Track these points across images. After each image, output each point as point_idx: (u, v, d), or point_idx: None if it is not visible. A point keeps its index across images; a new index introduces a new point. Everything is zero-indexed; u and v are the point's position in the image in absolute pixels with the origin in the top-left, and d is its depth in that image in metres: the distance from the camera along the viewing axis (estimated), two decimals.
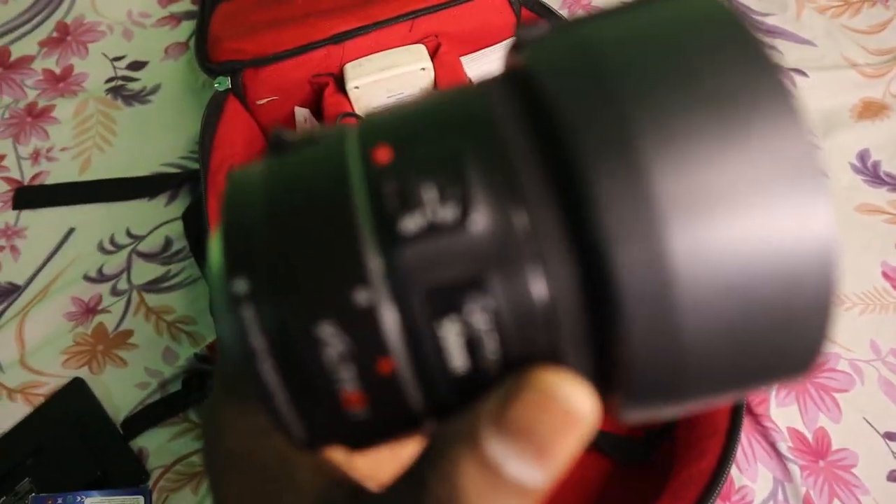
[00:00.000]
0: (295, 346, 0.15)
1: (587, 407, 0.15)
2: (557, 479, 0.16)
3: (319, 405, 0.16)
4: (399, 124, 0.17)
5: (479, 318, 0.15)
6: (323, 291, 0.15)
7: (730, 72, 0.15)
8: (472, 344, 0.15)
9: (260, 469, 0.20)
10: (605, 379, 0.16)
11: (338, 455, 0.21)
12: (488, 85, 0.17)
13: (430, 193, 0.15)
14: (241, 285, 0.15)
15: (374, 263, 0.15)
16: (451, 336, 0.15)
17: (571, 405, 0.15)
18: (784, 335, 0.15)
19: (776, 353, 0.16)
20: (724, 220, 0.14)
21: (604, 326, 0.15)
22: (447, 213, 0.15)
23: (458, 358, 0.15)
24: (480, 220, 0.15)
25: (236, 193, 0.17)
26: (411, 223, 0.15)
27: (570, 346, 0.16)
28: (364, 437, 0.17)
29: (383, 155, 0.16)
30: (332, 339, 0.15)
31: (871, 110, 0.70)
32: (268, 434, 0.20)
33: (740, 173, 0.14)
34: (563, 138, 0.14)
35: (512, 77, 0.17)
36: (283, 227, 0.16)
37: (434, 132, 0.16)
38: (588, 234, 0.14)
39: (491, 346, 0.15)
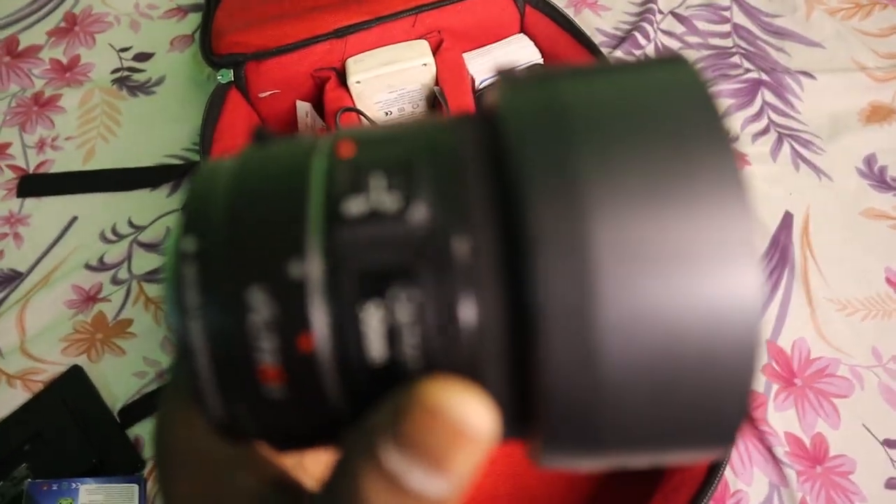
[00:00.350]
0: (224, 307, 0.16)
1: (481, 421, 0.15)
2: (464, 490, 0.16)
3: (237, 374, 0.16)
4: (369, 133, 0.18)
5: (403, 308, 0.15)
6: (260, 258, 0.16)
7: (684, 143, 0.15)
8: (393, 333, 0.15)
9: (205, 469, 0.20)
10: (526, 419, 0.16)
11: (288, 459, 0.22)
12: (462, 118, 0.18)
13: (377, 182, 0.16)
14: (188, 243, 0.16)
15: (313, 239, 0.15)
16: (374, 321, 0.15)
17: (463, 420, 0.15)
18: (703, 401, 0.15)
19: (695, 418, 0.16)
20: (654, 278, 0.15)
21: (525, 352, 0.15)
22: (390, 202, 0.15)
23: (377, 345, 0.15)
24: (420, 215, 0.15)
25: (206, 171, 0.18)
26: (354, 207, 0.15)
27: (490, 360, 0.16)
28: (281, 424, 0.17)
29: (347, 149, 0.17)
30: (260, 305, 0.15)
31: (879, 114, 0.70)
32: (212, 435, 0.20)
33: (678, 237, 0.15)
34: (515, 176, 0.15)
35: (485, 115, 0.18)
36: (240, 198, 0.16)
37: (398, 141, 0.17)
38: (520, 261, 0.15)
39: (411, 340, 0.15)
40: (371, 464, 0.15)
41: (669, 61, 0.18)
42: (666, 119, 0.16)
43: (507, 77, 0.17)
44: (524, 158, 0.15)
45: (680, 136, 0.16)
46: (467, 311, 0.15)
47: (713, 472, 0.40)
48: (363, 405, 0.16)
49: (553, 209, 0.15)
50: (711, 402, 0.15)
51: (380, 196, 0.16)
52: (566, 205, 0.15)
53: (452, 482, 0.15)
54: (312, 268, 0.15)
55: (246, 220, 0.16)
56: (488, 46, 0.59)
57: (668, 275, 0.15)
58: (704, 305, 0.15)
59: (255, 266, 0.16)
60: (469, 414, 0.15)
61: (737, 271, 0.15)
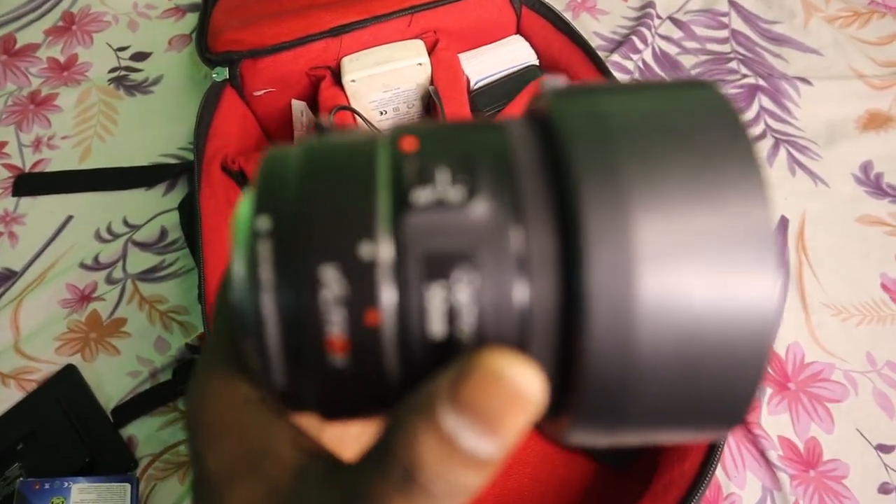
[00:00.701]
0: (297, 281, 0.17)
1: (534, 387, 0.17)
2: (510, 451, 0.17)
3: (306, 345, 0.17)
4: (427, 130, 0.19)
5: (463, 290, 0.17)
6: (333, 238, 0.17)
7: (714, 152, 0.17)
8: (452, 312, 0.17)
9: (242, 439, 0.21)
10: (560, 398, 0.18)
11: (312, 426, 0.23)
12: (513, 121, 0.20)
13: (443, 176, 0.17)
14: (263, 222, 0.18)
15: (383, 223, 0.17)
16: (436, 301, 0.17)
17: (518, 385, 0.17)
18: (719, 385, 0.17)
19: (710, 399, 0.18)
20: (687, 273, 0.16)
21: (570, 335, 0.17)
22: (455, 194, 0.17)
23: (437, 323, 0.17)
24: (481, 208, 0.17)
25: (274, 157, 0.19)
26: (422, 196, 0.17)
27: (538, 340, 0.17)
28: (339, 393, 0.18)
29: (410, 144, 0.18)
30: (332, 282, 0.17)
31: (876, 122, 0.70)
32: (252, 405, 0.21)
33: (707, 237, 0.17)
34: (567, 177, 0.17)
35: (534, 119, 0.20)
36: (312, 181, 0.18)
37: (457, 140, 0.19)
38: (571, 252, 0.17)
39: (468, 319, 0.17)
40: (428, 424, 0.17)
41: (699, 83, 0.20)
42: (697, 131, 0.18)
43: (555, 89, 0.20)
44: (576, 162, 0.17)
45: (710, 147, 0.18)
46: (520, 295, 0.17)
47: (703, 471, 0.40)
48: (417, 377, 0.18)
49: (601, 207, 0.17)
50: (726, 388, 0.17)
51: (445, 188, 0.17)
52: (612, 204, 0.17)
53: (501, 445, 0.17)
54: (382, 250, 0.17)
55: (318, 203, 0.18)
56: (484, 47, 0.59)
57: (699, 270, 0.16)
58: (729, 299, 0.17)
59: (328, 246, 0.17)
60: (524, 380, 0.17)
61: (758, 271, 0.17)
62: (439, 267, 0.17)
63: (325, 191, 0.18)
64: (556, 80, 0.20)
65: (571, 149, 0.17)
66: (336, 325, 0.17)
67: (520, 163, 0.18)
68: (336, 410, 0.20)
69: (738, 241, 0.17)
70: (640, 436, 0.19)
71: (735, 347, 0.17)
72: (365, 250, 0.17)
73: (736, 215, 0.17)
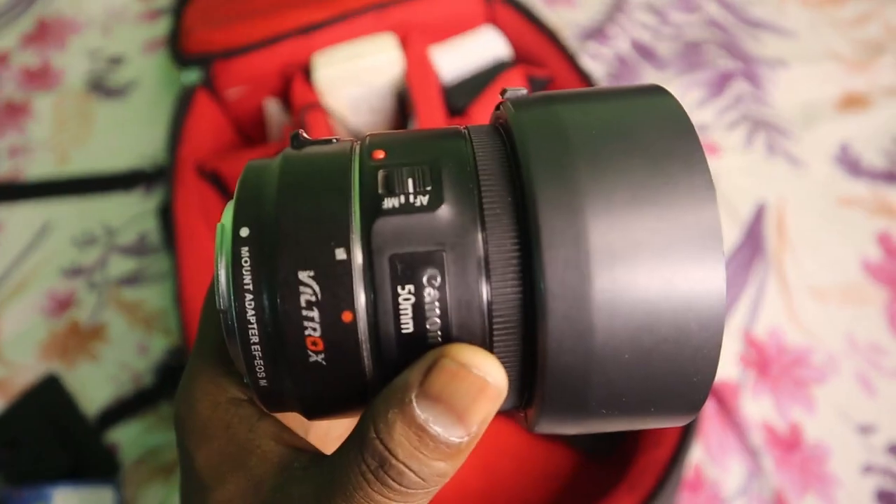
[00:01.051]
0: (277, 287, 0.18)
1: (497, 378, 0.18)
2: (477, 439, 0.19)
3: (287, 344, 0.19)
4: (396, 140, 0.21)
5: (429, 290, 0.18)
6: (310, 246, 0.19)
7: (665, 157, 0.19)
8: (421, 311, 0.18)
9: (229, 438, 0.22)
10: (526, 391, 0.20)
11: (299, 425, 0.25)
12: (476, 128, 0.22)
13: (410, 184, 0.19)
14: (244, 231, 0.19)
15: (355, 230, 0.19)
16: (404, 301, 0.18)
17: (484, 375, 0.18)
18: (676, 373, 0.19)
19: (669, 388, 0.19)
20: (639, 268, 0.18)
21: (532, 331, 0.18)
22: (420, 201, 0.19)
23: (406, 320, 0.18)
24: (445, 213, 0.19)
25: (253, 170, 0.21)
26: (389, 204, 0.19)
27: (501, 338, 0.19)
28: (319, 389, 0.20)
29: (378, 154, 0.20)
30: (310, 285, 0.18)
31: (853, 103, 0.70)
32: (239, 405, 0.23)
33: (657, 235, 0.18)
34: (527, 185, 0.18)
35: (496, 127, 0.22)
36: (289, 193, 0.19)
37: (423, 149, 0.20)
38: (530, 252, 0.18)
39: (435, 318, 0.18)
40: (402, 414, 0.18)
41: (652, 89, 0.21)
42: (647, 136, 0.19)
43: (515, 98, 0.21)
44: (533, 168, 0.19)
45: (659, 150, 0.19)
46: (483, 295, 0.19)
47: (678, 455, 0.40)
48: (391, 372, 0.19)
49: (557, 210, 0.18)
50: (684, 374, 0.19)
51: (411, 196, 0.19)
52: (567, 207, 0.18)
53: (469, 432, 0.18)
54: (355, 255, 0.18)
55: (295, 214, 0.19)
56: (457, 39, 0.59)
57: (650, 266, 0.18)
58: (679, 291, 0.18)
59: (306, 253, 0.19)
60: (488, 371, 0.18)
61: (705, 264, 0.18)
62: (407, 269, 0.18)
63: (301, 202, 0.19)
64: (518, 91, 0.22)
65: (529, 155, 0.19)
66: (314, 325, 0.18)
67: (482, 170, 0.20)
68: (317, 407, 0.21)
69: (687, 237, 0.18)
70: (606, 423, 0.20)
71: (688, 337, 0.18)
72: (340, 256, 0.18)
73: (684, 214, 0.18)
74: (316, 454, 0.22)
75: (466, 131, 0.22)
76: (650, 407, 0.20)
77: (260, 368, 0.20)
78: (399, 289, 0.18)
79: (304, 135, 0.21)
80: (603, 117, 0.20)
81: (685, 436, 0.41)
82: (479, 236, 0.19)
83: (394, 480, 0.19)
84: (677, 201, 0.18)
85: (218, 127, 0.59)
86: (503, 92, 0.22)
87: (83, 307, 0.62)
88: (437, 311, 0.18)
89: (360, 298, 0.18)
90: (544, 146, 0.19)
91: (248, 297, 0.19)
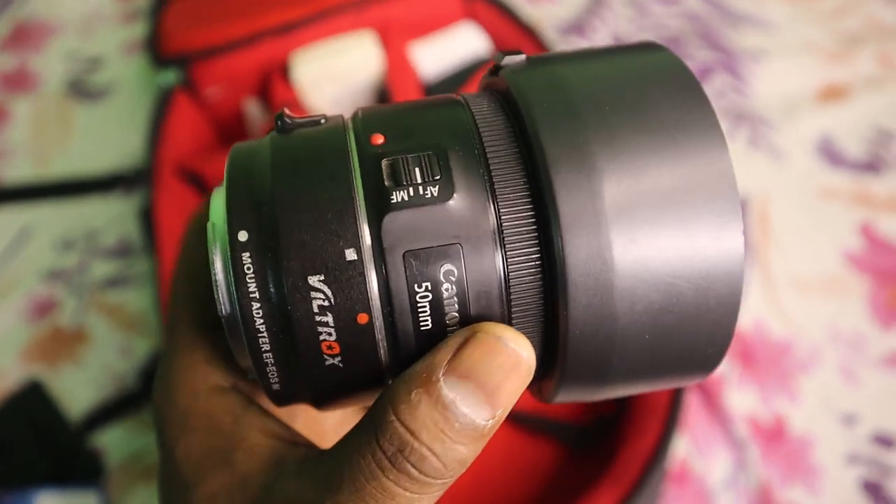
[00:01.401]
0: (288, 294, 0.18)
1: (530, 354, 0.18)
2: (499, 424, 0.18)
3: (300, 350, 0.18)
4: (391, 119, 0.20)
5: (446, 284, 0.18)
6: (318, 248, 0.18)
7: (672, 108, 0.18)
8: (436, 306, 0.18)
9: (211, 428, 0.20)
10: (545, 363, 0.20)
11: (284, 413, 0.23)
12: (471, 96, 0.21)
13: (417, 173, 0.18)
14: (242, 234, 0.18)
15: (364, 230, 0.18)
16: (419, 295, 0.18)
17: (517, 351, 0.18)
18: (698, 330, 0.18)
19: (692, 344, 0.19)
20: (658, 228, 0.17)
21: (552, 304, 0.18)
22: (429, 191, 0.18)
23: (423, 316, 0.18)
24: (456, 202, 0.18)
25: (241, 158, 0.19)
26: (399, 196, 0.18)
27: (522, 316, 0.18)
28: (334, 388, 0.19)
29: (378, 139, 0.19)
30: (322, 290, 0.17)
31: (834, 94, 0.70)
32: (220, 393, 0.21)
33: (675, 193, 0.17)
34: (538, 152, 0.18)
35: (492, 94, 0.21)
36: (286, 188, 0.18)
37: (423, 127, 0.19)
38: (548, 224, 0.17)
39: (452, 311, 0.18)
40: (427, 392, 0.17)
41: (648, 45, 0.21)
42: (654, 91, 0.19)
43: (506, 62, 0.20)
44: (542, 131, 0.18)
45: (668, 105, 0.18)
46: (501, 283, 0.18)
47: (660, 447, 0.40)
48: (408, 365, 0.18)
49: (576, 194, 0.17)
50: (704, 330, 0.18)
51: (420, 188, 0.18)
52: (587, 190, 0.17)
53: (496, 410, 0.18)
54: (366, 255, 0.18)
55: (297, 211, 0.18)
56: (436, 36, 0.59)
57: (669, 224, 0.17)
58: (699, 249, 0.18)
59: (314, 256, 0.18)
60: (523, 347, 0.18)
61: (724, 220, 0.18)
62: (422, 266, 0.18)
63: (301, 199, 0.18)
64: (517, 57, 0.21)
65: (536, 119, 0.18)
66: (329, 329, 0.18)
67: (489, 148, 0.19)
68: (331, 402, 0.20)
69: (703, 193, 0.18)
70: (624, 389, 0.20)
71: (708, 293, 0.18)
72: (350, 257, 0.18)
73: (699, 169, 0.18)
74: (310, 447, 0.20)
75: (463, 100, 0.21)
76: (669, 369, 0.19)
77: (273, 374, 0.19)
78: (416, 287, 0.18)
79: (289, 114, 0.20)
80: (605, 74, 0.19)
81: (668, 428, 0.41)
82: (494, 222, 0.18)
83: (413, 467, 0.17)
84: (691, 156, 0.18)
85: (197, 128, 0.58)
86: (498, 57, 0.21)
87: (64, 311, 0.62)
88: (456, 306, 0.18)
89: (375, 299, 0.18)
90: (551, 112, 0.18)
91: (255, 305, 0.18)
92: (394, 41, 0.56)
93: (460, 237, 0.18)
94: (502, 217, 0.18)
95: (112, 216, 0.66)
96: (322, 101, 0.54)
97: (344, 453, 0.18)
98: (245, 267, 0.18)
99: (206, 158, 0.56)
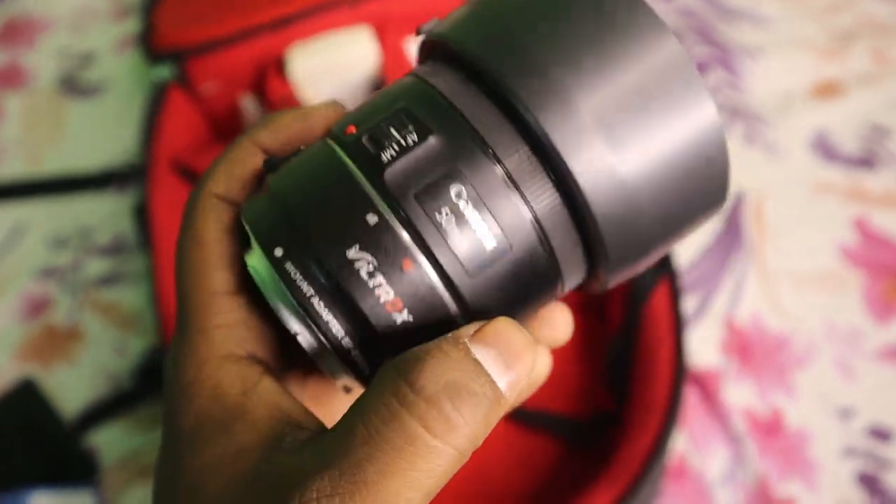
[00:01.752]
0: (335, 273, 0.19)
1: (536, 350, 0.19)
2: (509, 406, 0.19)
3: (370, 320, 0.19)
4: (357, 114, 0.22)
5: (461, 202, 0.19)
6: (344, 226, 0.19)
7: (618, 18, 0.20)
8: (461, 221, 0.19)
9: (215, 397, 0.20)
10: (588, 261, 0.22)
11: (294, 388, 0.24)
12: (417, 70, 0.22)
13: (392, 132, 0.20)
14: (278, 251, 0.20)
15: (372, 192, 0.19)
16: (444, 220, 0.19)
17: (530, 335, 0.19)
18: (701, 183, 0.20)
19: (700, 193, 0.21)
20: (644, 126, 0.19)
21: (569, 195, 0.20)
22: (409, 140, 0.19)
23: (456, 235, 0.19)
24: (438, 138, 0.19)
25: (254, 212, 0.21)
26: (386, 155, 0.19)
27: (546, 212, 0.20)
28: (414, 344, 0.20)
29: (351, 129, 0.21)
30: (363, 258, 0.19)
31: (828, 90, 0.70)
32: (232, 362, 0.21)
33: (646, 88, 0.19)
34: (513, 94, 0.19)
35: (434, 59, 0.22)
36: (296, 200, 0.20)
37: (383, 103, 0.21)
38: (529, 129, 0.19)
39: (476, 217, 0.19)
40: (456, 349, 0.18)
41: None
42: (592, 8, 0.20)
43: (428, 27, 0.22)
44: (502, 70, 0.19)
45: (610, 14, 0.20)
46: (508, 182, 0.19)
47: (660, 444, 0.40)
48: (468, 294, 0.20)
49: (550, 107, 0.19)
50: (707, 181, 0.21)
51: (401, 141, 0.20)
52: (559, 99, 0.19)
53: (514, 379, 0.19)
54: (385, 212, 0.19)
55: (312, 207, 0.20)
56: None
57: (653, 118, 0.19)
58: (683, 122, 0.20)
59: (340, 234, 0.19)
60: (534, 344, 0.19)
61: (694, 97, 0.20)
62: (435, 197, 0.19)
63: (310, 198, 0.20)
64: (432, 22, 0.23)
65: (488, 58, 0.20)
66: (385, 289, 0.19)
67: (443, 90, 0.20)
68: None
69: (669, 80, 0.19)
70: (659, 252, 0.22)
71: (701, 153, 0.20)
72: (371, 219, 0.19)
73: (653, 60, 0.19)
74: (315, 425, 0.20)
75: (412, 74, 0.22)
76: (689, 220, 0.21)
77: (358, 359, 0.20)
78: (437, 216, 0.19)
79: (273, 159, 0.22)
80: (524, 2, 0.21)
81: (668, 424, 0.41)
82: (479, 141, 0.19)
83: (437, 434, 0.17)
84: (646, 57, 0.19)
85: (192, 123, 0.58)
86: (418, 31, 0.23)
87: (58, 309, 0.61)
88: (480, 219, 0.19)
89: (409, 243, 0.19)
90: (488, 38, 0.20)
91: (315, 300, 0.19)
92: (390, 36, 0.55)
93: (456, 161, 0.19)
94: (484, 135, 0.19)
95: (106, 213, 0.65)
96: (318, 96, 0.54)
97: (353, 412, 0.18)
98: (292, 275, 0.19)
99: (201, 153, 0.56)
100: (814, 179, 0.65)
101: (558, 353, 0.54)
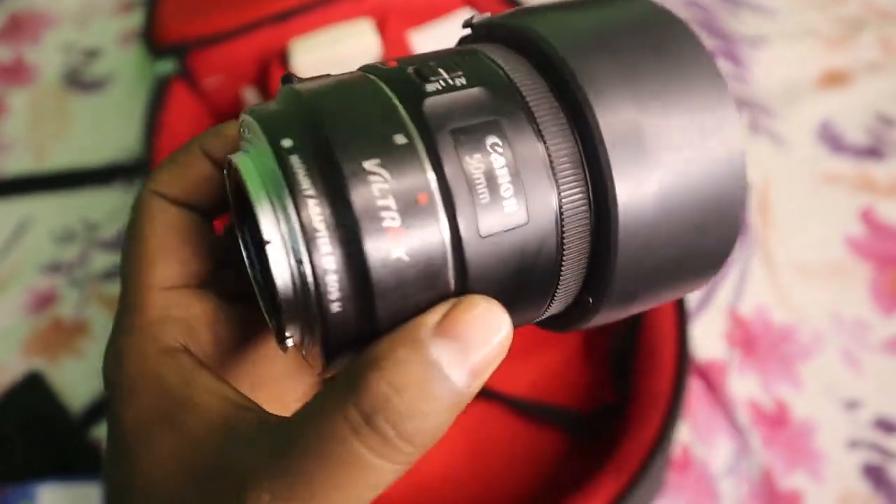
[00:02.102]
0: (345, 179, 0.17)
1: (509, 328, 0.18)
2: (472, 396, 0.18)
3: (361, 241, 0.17)
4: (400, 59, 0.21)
5: (495, 155, 0.18)
6: (368, 137, 0.18)
7: (665, 45, 0.20)
8: (489, 173, 0.18)
9: (160, 391, 0.19)
10: (584, 291, 0.21)
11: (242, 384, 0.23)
12: (477, 46, 0.22)
13: (442, 71, 0.19)
14: (286, 142, 0.18)
15: (406, 115, 0.18)
16: (473, 166, 0.18)
17: (502, 316, 0.18)
18: (720, 213, 0.21)
19: (715, 229, 0.21)
20: (684, 157, 0.20)
21: (599, 179, 0.19)
22: (458, 82, 0.19)
23: (481, 186, 0.18)
24: (485, 92, 0.19)
25: (261, 109, 0.19)
26: (432, 86, 0.19)
27: (568, 189, 0.19)
28: (392, 278, 0.18)
29: (392, 63, 0.20)
30: (379, 174, 0.17)
31: (834, 79, 0.70)
32: (170, 354, 0.20)
33: (688, 123, 0.20)
34: (580, 94, 0.19)
35: (497, 41, 0.22)
36: (320, 102, 0.19)
37: (433, 56, 0.20)
38: (579, 111, 0.19)
39: (504, 176, 0.18)
40: (415, 351, 0.17)
41: None
42: (651, 32, 0.21)
43: (486, 20, 0.22)
44: (579, 75, 0.19)
45: (668, 44, 0.20)
46: (545, 158, 0.19)
47: (663, 436, 0.40)
48: (469, 260, 0.18)
49: (613, 113, 0.19)
50: (724, 211, 0.21)
51: (449, 79, 0.19)
52: (625, 108, 0.19)
53: (475, 380, 0.18)
54: (415, 137, 0.18)
55: (337, 110, 0.18)
56: (434, 24, 0.58)
57: (688, 150, 0.20)
58: (713, 155, 0.20)
59: (367, 143, 0.18)
60: (504, 317, 0.18)
61: (728, 145, 0.20)
62: (471, 140, 0.18)
63: (338, 104, 0.18)
64: (486, 16, 0.22)
65: (572, 64, 0.19)
66: (391, 214, 0.17)
67: (509, 74, 0.20)
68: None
69: (708, 122, 0.20)
70: (646, 306, 0.22)
71: (723, 182, 0.20)
72: (399, 141, 0.18)
73: (703, 101, 0.20)
74: (262, 412, 0.19)
75: (472, 46, 0.22)
76: (687, 273, 0.21)
77: (334, 285, 0.17)
78: (468, 159, 0.18)
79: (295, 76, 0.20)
80: (589, 18, 0.21)
81: (671, 416, 0.41)
82: (530, 118, 0.19)
83: (392, 427, 0.17)
84: (694, 94, 0.20)
85: (195, 117, 0.58)
86: (471, 20, 0.22)
87: (65, 303, 0.62)
88: (508, 176, 0.18)
89: (432, 177, 0.18)
90: (577, 50, 0.20)
91: (312, 202, 0.17)
92: (392, 29, 0.55)
93: (501, 118, 0.19)
94: (537, 116, 0.19)
95: (111, 208, 0.65)
96: None
97: (308, 417, 0.18)
98: (294, 168, 0.17)
99: None
100: (820, 170, 0.65)
101: (562, 346, 0.54)
